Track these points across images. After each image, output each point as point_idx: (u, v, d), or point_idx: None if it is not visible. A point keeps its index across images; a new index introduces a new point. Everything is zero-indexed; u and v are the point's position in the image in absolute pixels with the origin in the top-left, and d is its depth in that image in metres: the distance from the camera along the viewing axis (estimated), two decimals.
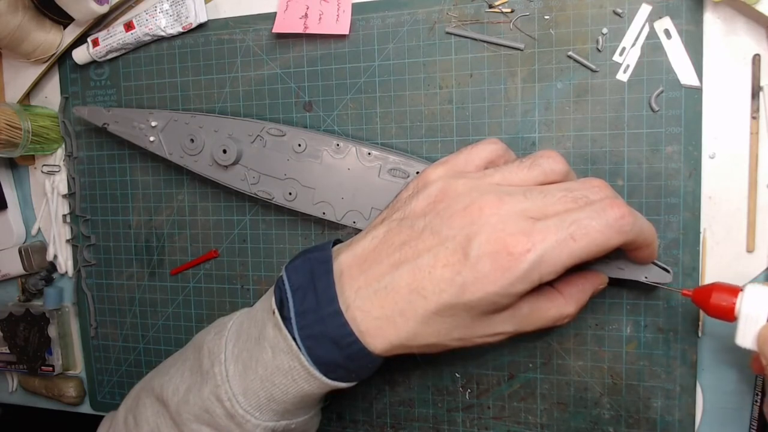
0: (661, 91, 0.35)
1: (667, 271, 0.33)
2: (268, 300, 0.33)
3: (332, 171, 0.39)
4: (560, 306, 0.32)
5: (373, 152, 0.38)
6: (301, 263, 0.32)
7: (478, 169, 0.32)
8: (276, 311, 0.31)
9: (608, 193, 0.29)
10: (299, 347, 0.30)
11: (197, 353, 0.34)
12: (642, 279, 0.33)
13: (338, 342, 0.30)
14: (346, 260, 0.32)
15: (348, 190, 0.38)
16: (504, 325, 0.31)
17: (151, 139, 0.43)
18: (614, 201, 0.28)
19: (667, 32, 0.35)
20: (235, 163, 0.40)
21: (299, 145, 0.39)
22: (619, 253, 0.33)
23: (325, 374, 0.31)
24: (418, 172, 0.37)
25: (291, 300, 0.31)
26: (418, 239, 0.29)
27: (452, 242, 0.28)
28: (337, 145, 0.39)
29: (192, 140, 0.41)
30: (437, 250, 0.28)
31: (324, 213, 0.39)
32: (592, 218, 0.27)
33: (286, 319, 0.31)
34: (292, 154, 0.40)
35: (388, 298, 0.29)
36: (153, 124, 0.42)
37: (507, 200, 0.28)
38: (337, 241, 0.35)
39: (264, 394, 0.31)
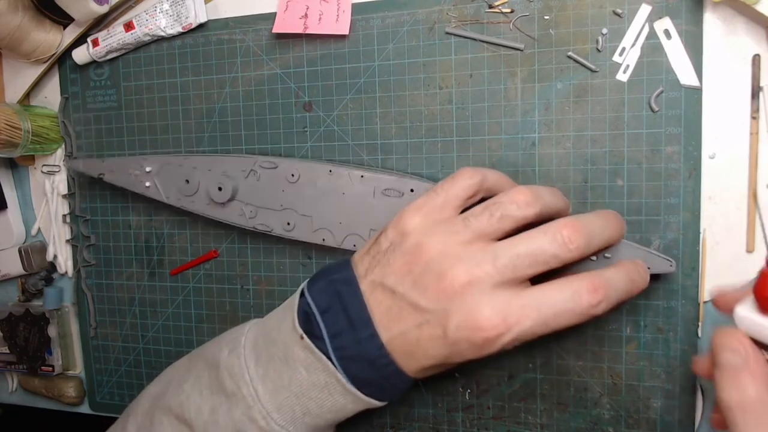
0: (661, 91, 0.35)
1: (669, 261, 0.33)
2: (286, 320, 0.33)
3: (327, 197, 0.39)
4: None
5: (366, 174, 0.38)
6: (325, 285, 0.33)
7: (455, 210, 0.32)
8: (305, 336, 0.32)
9: (577, 246, 0.29)
10: (336, 366, 0.31)
11: (214, 372, 0.35)
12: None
13: (374, 363, 0.31)
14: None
15: (345, 214, 0.39)
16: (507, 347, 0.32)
17: (147, 184, 0.43)
18: (593, 283, 0.29)
19: (667, 32, 0.35)
20: (232, 199, 0.41)
21: (292, 175, 0.39)
22: (621, 252, 0.33)
23: (360, 389, 0.32)
24: (412, 190, 0.37)
25: (321, 322, 0.32)
26: (401, 308, 0.31)
27: (432, 317, 0.30)
28: (330, 171, 0.39)
29: (187, 181, 0.41)
30: (419, 323, 0.30)
31: (324, 239, 0.39)
32: (567, 303, 0.29)
33: (317, 339, 0.32)
34: (286, 185, 0.40)
35: (390, 351, 0.31)
36: (147, 169, 0.43)
37: (477, 274, 0.29)
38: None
39: (300, 408, 0.33)
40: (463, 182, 0.32)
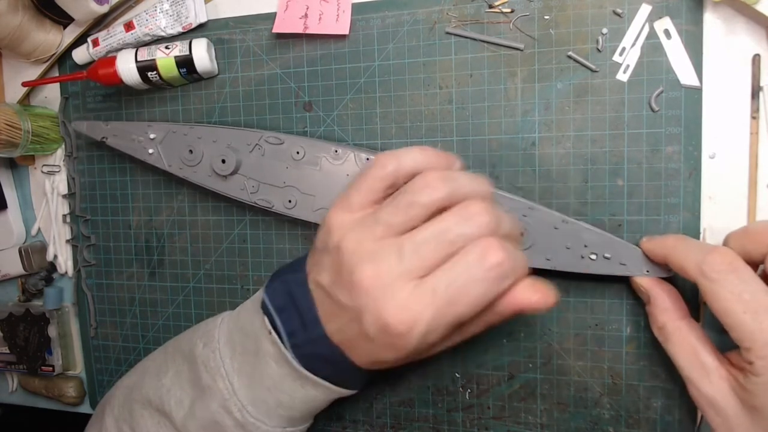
0: (661, 91, 0.35)
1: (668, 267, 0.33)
2: (256, 315, 0.34)
3: (331, 177, 0.39)
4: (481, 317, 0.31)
5: (372, 157, 0.38)
6: (280, 285, 0.33)
7: (373, 205, 0.31)
8: (272, 332, 0.32)
9: (485, 221, 0.27)
10: (297, 363, 0.32)
11: (191, 366, 0.35)
12: (644, 274, 0.34)
13: (328, 359, 0.32)
14: None
15: None
16: (439, 348, 0.31)
17: (150, 151, 0.43)
18: (489, 244, 0.27)
19: (667, 32, 0.35)
20: (234, 172, 0.40)
21: (297, 152, 0.39)
22: (621, 251, 0.33)
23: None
24: None
25: (279, 320, 0.32)
26: (332, 305, 0.30)
27: (354, 316, 0.29)
28: (336, 151, 0.39)
29: (191, 151, 0.41)
30: (348, 320, 0.30)
31: None
32: (467, 273, 0.26)
33: (280, 336, 0.32)
34: (290, 162, 0.40)
35: (338, 344, 0.31)
36: (151, 136, 0.42)
37: (382, 266, 0.28)
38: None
39: (273, 401, 0.33)
40: (375, 173, 0.30)
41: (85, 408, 0.53)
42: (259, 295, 0.35)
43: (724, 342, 0.36)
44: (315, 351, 0.31)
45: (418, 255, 0.27)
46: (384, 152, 0.31)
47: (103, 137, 0.44)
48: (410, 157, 0.30)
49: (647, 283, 0.33)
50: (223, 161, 0.40)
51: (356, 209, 0.30)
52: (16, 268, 0.51)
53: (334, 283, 0.30)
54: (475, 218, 0.27)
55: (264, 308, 0.33)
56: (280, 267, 0.36)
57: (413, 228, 0.29)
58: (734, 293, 0.27)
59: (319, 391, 0.33)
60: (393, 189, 0.31)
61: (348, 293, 0.29)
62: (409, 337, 0.27)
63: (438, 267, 0.28)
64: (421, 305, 0.27)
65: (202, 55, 0.42)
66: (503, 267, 0.27)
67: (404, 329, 0.27)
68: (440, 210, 0.29)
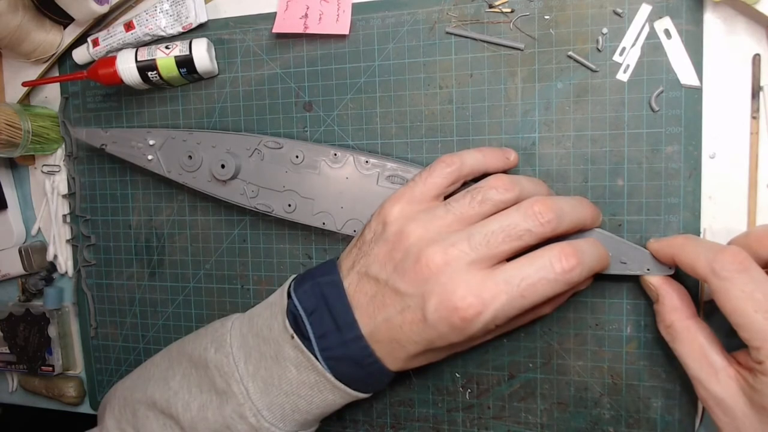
0: (661, 91, 0.35)
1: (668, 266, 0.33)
2: (277, 319, 0.34)
3: (331, 181, 0.39)
4: (536, 310, 0.34)
5: (371, 160, 0.38)
6: (311, 287, 0.33)
7: (436, 199, 0.33)
8: (295, 336, 0.32)
9: (548, 218, 0.30)
10: (323, 366, 0.32)
11: (202, 370, 0.35)
12: (645, 272, 0.34)
13: (360, 362, 0.32)
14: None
15: (347, 199, 0.38)
16: (487, 336, 0.33)
17: (149, 157, 0.43)
18: (563, 251, 0.29)
19: (667, 32, 0.35)
20: (234, 177, 0.40)
21: (297, 156, 0.39)
22: (621, 249, 0.34)
23: (346, 385, 0.33)
24: None
25: (308, 323, 0.32)
26: (384, 295, 0.31)
27: (412, 301, 0.30)
28: (335, 154, 0.39)
29: (190, 157, 0.41)
30: (401, 309, 0.30)
31: (324, 223, 0.39)
32: (540, 274, 0.29)
33: (305, 339, 0.32)
34: (290, 166, 0.40)
35: (377, 341, 0.32)
36: (151, 142, 0.42)
37: (452, 253, 0.29)
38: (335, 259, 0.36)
39: (289, 406, 0.33)
40: (441, 170, 0.33)
41: (85, 408, 0.53)
42: (276, 299, 0.35)
43: (725, 345, 0.35)
44: (346, 353, 0.32)
45: (486, 244, 0.29)
46: (446, 154, 0.34)
47: (103, 144, 0.44)
48: (471, 157, 0.34)
49: (657, 281, 0.33)
50: (223, 166, 0.40)
51: (418, 202, 0.32)
52: (16, 268, 0.51)
53: (392, 270, 0.31)
54: (539, 216, 0.30)
55: (290, 311, 0.33)
56: (308, 270, 0.36)
57: (478, 222, 0.31)
58: (746, 292, 0.27)
59: (337, 396, 0.33)
60: (454, 186, 0.33)
61: (409, 279, 0.30)
62: (476, 321, 0.29)
63: (503, 259, 0.30)
64: (493, 293, 0.28)
65: (202, 55, 0.42)
66: (574, 272, 0.29)
67: (472, 313, 0.28)
68: (504, 209, 0.31)
